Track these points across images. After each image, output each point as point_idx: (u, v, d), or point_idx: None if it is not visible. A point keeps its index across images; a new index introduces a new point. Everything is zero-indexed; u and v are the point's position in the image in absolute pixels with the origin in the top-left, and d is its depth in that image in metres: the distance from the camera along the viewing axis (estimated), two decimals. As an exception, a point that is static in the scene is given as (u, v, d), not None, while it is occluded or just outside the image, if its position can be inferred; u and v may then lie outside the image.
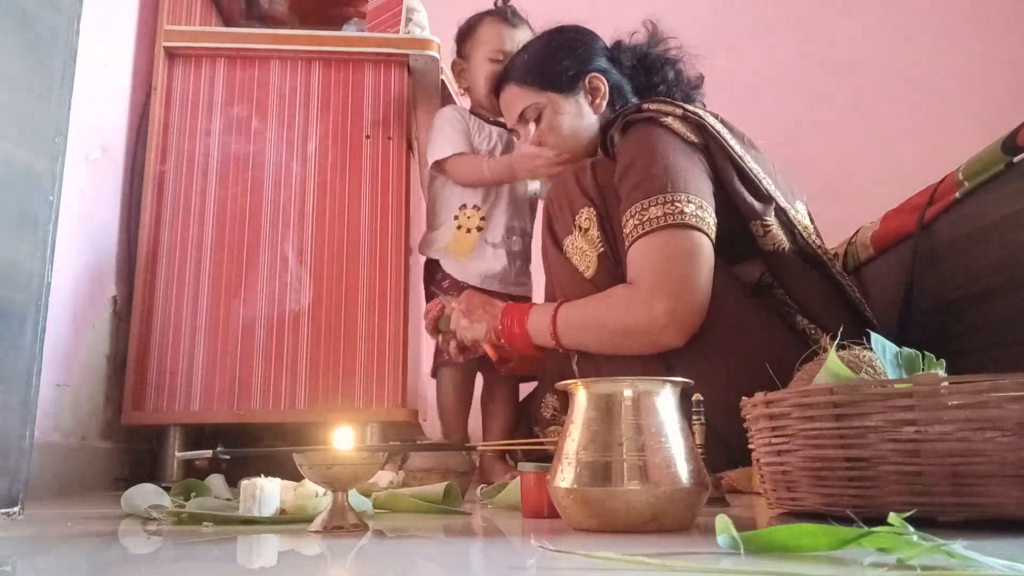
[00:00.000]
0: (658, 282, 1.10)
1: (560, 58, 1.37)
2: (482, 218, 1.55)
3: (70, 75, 0.93)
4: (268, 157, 1.59)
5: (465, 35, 1.61)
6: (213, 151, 1.59)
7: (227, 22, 1.88)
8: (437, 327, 1.43)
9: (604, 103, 1.36)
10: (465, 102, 1.69)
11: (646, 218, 1.11)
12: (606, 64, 1.38)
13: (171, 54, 1.62)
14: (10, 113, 0.85)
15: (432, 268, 1.57)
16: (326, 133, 1.61)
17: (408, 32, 1.69)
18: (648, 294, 1.11)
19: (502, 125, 1.62)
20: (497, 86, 1.44)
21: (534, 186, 1.65)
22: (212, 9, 1.85)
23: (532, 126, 1.39)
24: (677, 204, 1.11)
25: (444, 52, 1.68)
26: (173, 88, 1.61)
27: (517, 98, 1.39)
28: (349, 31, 1.81)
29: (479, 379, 1.59)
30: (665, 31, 1.41)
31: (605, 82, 1.36)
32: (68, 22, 0.93)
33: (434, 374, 1.57)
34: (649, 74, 1.38)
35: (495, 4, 1.63)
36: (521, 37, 1.57)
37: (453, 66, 1.64)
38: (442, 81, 1.71)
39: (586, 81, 1.36)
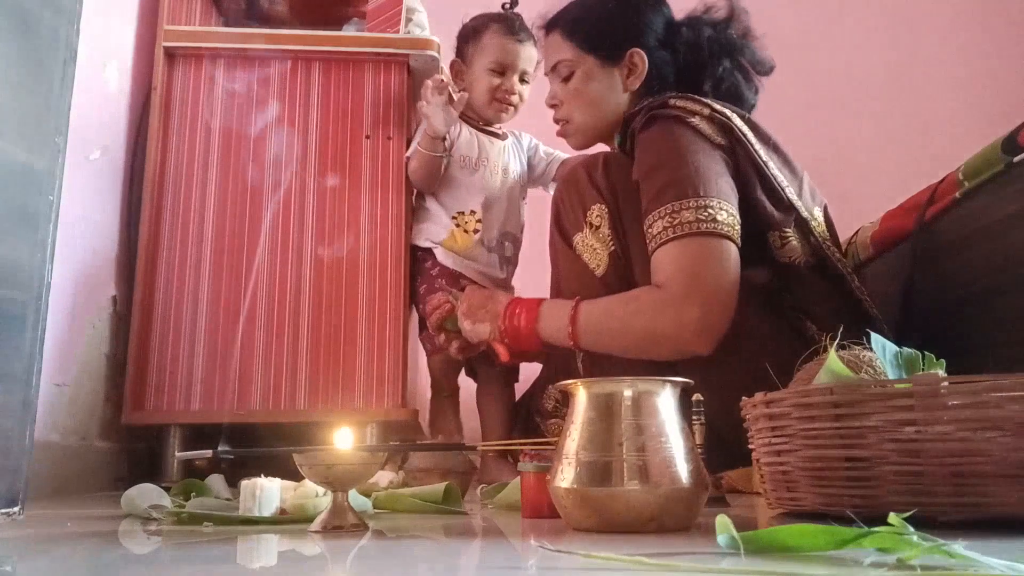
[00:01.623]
0: (690, 288, 1.07)
1: (611, 24, 1.32)
2: (478, 221, 1.56)
3: (70, 75, 0.93)
4: (268, 157, 1.59)
5: (468, 38, 1.60)
6: (213, 151, 1.59)
7: (227, 22, 1.88)
8: (443, 325, 1.41)
9: (639, 82, 1.31)
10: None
11: (677, 221, 1.08)
12: (655, 42, 1.32)
13: (171, 54, 1.61)
14: (10, 113, 0.85)
15: (421, 256, 1.57)
16: (326, 133, 1.61)
17: (408, 32, 1.69)
18: (680, 299, 1.08)
19: (491, 133, 1.62)
20: (545, 28, 1.41)
21: (516, 163, 1.65)
22: (212, 9, 1.85)
23: (559, 84, 1.36)
24: (710, 211, 1.08)
25: (444, 52, 1.68)
26: (173, 88, 1.61)
27: (556, 49, 1.36)
28: (349, 31, 1.81)
29: (472, 381, 1.60)
30: (743, 11, 1.33)
31: (645, 61, 1.30)
32: (68, 22, 0.93)
33: (424, 343, 1.57)
34: (700, 67, 1.30)
35: (503, 7, 1.61)
36: (525, 54, 1.57)
37: (452, 65, 1.64)
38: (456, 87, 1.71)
39: (627, 56, 1.31)
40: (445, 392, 1.59)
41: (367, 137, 1.62)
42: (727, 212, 1.10)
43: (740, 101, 1.30)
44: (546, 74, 1.42)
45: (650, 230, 1.12)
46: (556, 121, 1.41)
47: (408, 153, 1.58)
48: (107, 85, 1.53)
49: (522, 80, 1.59)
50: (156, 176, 1.56)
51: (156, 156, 1.56)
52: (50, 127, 0.90)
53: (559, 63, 1.35)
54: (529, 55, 1.57)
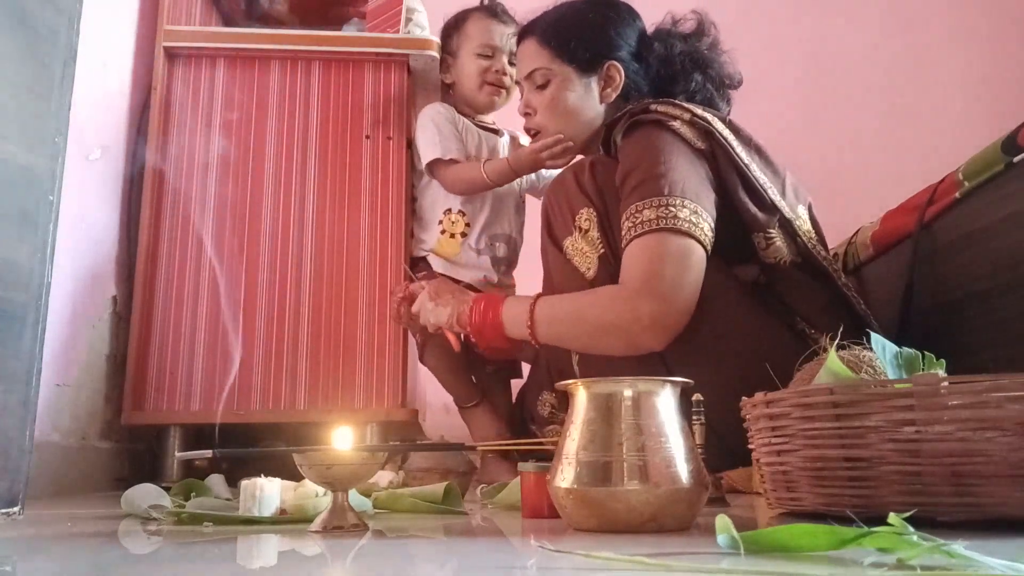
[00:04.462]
0: (645, 283, 1.09)
1: (589, 34, 1.32)
2: (466, 223, 1.55)
3: (70, 75, 0.93)
4: (268, 157, 1.59)
5: (451, 30, 1.60)
6: (213, 151, 1.58)
7: (227, 22, 1.88)
8: (399, 311, 1.42)
9: (615, 95, 1.31)
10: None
11: (639, 220, 1.10)
12: (629, 55, 1.32)
13: (171, 54, 1.61)
14: (10, 113, 0.85)
15: (418, 267, 1.57)
16: (326, 133, 1.61)
17: (408, 32, 1.69)
18: (634, 293, 1.09)
19: (490, 129, 1.61)
20: (519, 34, 1.41)
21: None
22: (212, 9, 1.85)
23: (534, 92, 1.34)
24: (671, 208, 1.09)
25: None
26: (173, 88, 1.61)
27: (533, 56, 1.35)
28: (349, 31, 1.81)
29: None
30: (711, 25, 1.34)
31: (622, 74, 1.31)
32: (68, 22, 0.93)
33: (422, 359, 1.56)
34: (672, 81, 1.32)
35: (481, 1, 1.62)
36: (511, 34, 1.55)
37: (440, 64, 1.63)
38: (441, 81, 1.71)
39: (604, 67, 1.31)
40: (465, 401, 1.53)
41: (367, 137, 1.62)
42: (690, 210, 1.10)
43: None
44: (518, 81, 1.41)
45: (621, 230, 1.14)
46: (527, 130, 1.40)
47: (450, 156, 1.51)
48: (107, 85, 1.53)
49: (511, 62, 1.56)
50: (156, 176, 1.56)
51: (156, 156, 1.56)
52: (50, 127, 0.90)
53: (535, 70, 1.34)
54: (513, 35, 1.55)
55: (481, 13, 1.58)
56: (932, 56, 2.62)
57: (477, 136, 1.58)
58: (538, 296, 1.21)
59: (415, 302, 1.35)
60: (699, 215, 1.11)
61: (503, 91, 1.58)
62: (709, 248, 1.12)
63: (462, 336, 1.35)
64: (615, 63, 1.31)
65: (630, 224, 1.11)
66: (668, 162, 1.13)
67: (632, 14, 1.36)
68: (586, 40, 1.32)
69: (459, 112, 1.59)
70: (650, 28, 1.37)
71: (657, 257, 1.09)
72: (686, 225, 1.09)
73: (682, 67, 1.32)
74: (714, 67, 1.34)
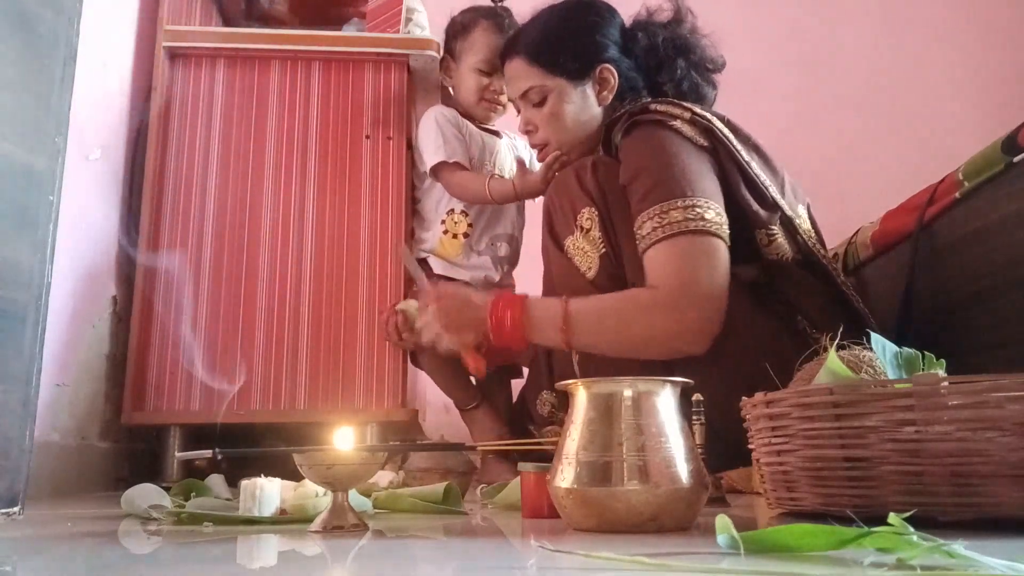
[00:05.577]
0: (686, 289, 1.08)
1: (574, 42, 1.31)
2: (469, 224, 1.55)
3: (70, 75, 0.93)
4: (268, 157, 1.59)
5: (457, 34, 1.58)
6: (213, 151, 1.59)
7: (227, 22, 1.88)
8: (388, 331, 1.45)
9: (611, 96, 1.31)
10: None
11: (666, 221, 1.09)
12: (617, 54, 1.32)
13: (171, 54, 1.61)
14: (10, 113, 0.85)
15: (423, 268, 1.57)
16: (326, 133, 1.61)
17: (408, 32, 1.69)
18: (677, 301, 1.08)
19: (490, 131, 1.61)
20: (504, 53, 1.39)
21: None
22: (212, 9, 1.85)
23: (531, 110, 1.34)
24: (698, 210, 1.09)
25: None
26: (173, 88, 1.61)
27: (523, 75, 1.34)
28: (349, 31, 1.81)
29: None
30: (687, 11, 1.34)
31: (615, 75, 1.30)
32: (68, 22, 0.93)
33: (416, 362, 1.56)
34: (658, 70, 1.31)
35: (492, 0, 1.60)
36: None
37: (441, 62, 1.63)
38: (441, 81, 1.71)
39: (596, 71, 1.30)
40: (464, 404, 1.53)
41: (367, 137, 1.62)
42: (714, 211, 1.11)
43: (702, 99, 1.31)
44: (511, 99, 1.41)
45: (640, 231, 1.13)
46: (533, 147, 1.39)
47: (454, 159, 1.51)
48: (107, 85, 1.53)
49: None
50: (156, 176, 1.56)
51: (156, 156, 1.56)
52: (50, 127, 0.90)
53: (529, 90, 1.33)
54: None
55: (488, 24, 1.55)
56: (932, 56, 2.62)
57: (479, 139, 1.58)
58: (567, 301, 1.16)
59: (423, 333, 1.29)
60: (721, 215, 1.11)
61: (499, 107, 1.59)
62: (729, 246, 1.12)
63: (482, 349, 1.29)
64: (607, 65, 1.31)
65: (655, 224, 1.10)
66: (680, 162, 1.13)
67: (611, 11, 1.36)
68: (574, 50, 1.31)
69: (461, 114, 1.59)
70: (627, 22, 1.36)
71: (692, 260, 1.08)
72: (713, 227, 1.09)
73: (666, 54, 1.32)
74: (696, 51, 1.33)
